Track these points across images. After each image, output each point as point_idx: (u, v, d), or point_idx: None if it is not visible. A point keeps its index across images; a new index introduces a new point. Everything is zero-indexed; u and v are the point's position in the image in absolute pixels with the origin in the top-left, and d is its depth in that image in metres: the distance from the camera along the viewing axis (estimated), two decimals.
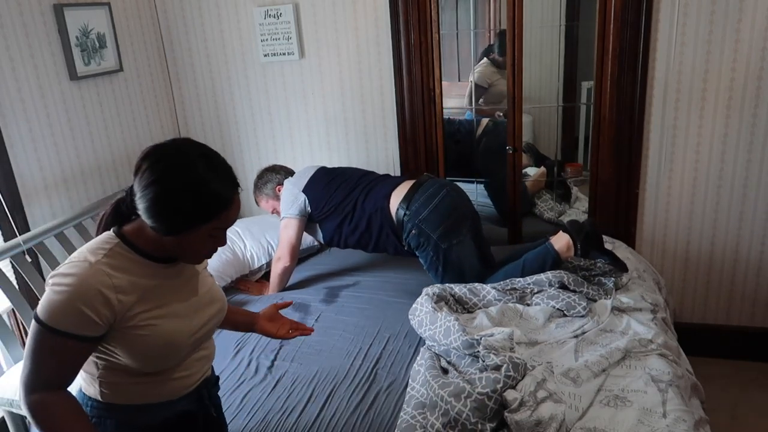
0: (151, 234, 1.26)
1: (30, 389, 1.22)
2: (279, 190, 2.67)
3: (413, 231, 2.34)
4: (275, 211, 2.72)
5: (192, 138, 1.40)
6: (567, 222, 2.47)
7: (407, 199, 2.37)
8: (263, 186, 2.72)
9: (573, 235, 2.33)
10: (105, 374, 1.31)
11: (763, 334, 2.80)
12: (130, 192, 1.28)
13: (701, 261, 2.78)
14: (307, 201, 2.53)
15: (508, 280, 2.28)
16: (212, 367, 1.52)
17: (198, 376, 1.43)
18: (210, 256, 1.36)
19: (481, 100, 3.14)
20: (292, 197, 2.56)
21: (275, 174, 2.73)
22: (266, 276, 2.72)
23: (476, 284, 2.28)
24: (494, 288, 2.22)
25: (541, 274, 2.25)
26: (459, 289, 2.24)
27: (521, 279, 2.27)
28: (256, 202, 2.82)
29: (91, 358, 1.29)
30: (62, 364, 1.22)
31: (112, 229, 1.31)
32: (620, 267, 2.32)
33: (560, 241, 2.35)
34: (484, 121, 3.24)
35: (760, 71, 2.46)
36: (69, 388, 1.25)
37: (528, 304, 2.18)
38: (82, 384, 1.36)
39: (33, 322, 1.20)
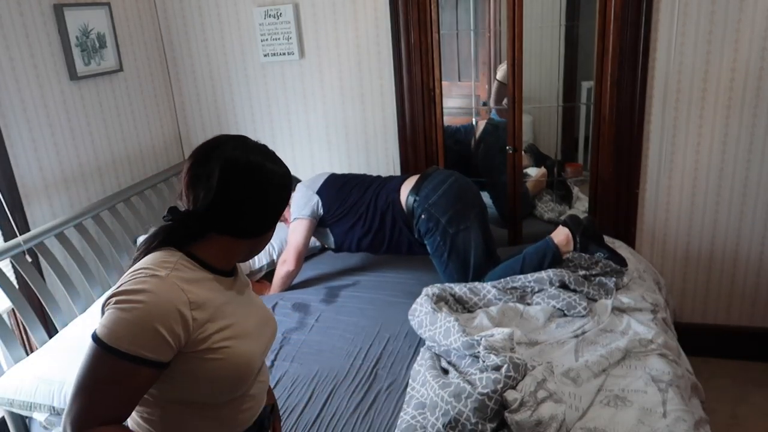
0: (224, 243, 1.17)
1: (81, 425, 1.03)
2: None
3: (423, 216, 2.38)
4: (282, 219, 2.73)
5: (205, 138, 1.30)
6: (566, 216, 2.51)
7: (416, 187, 2.43)
8: None
9: (572, 229, 2.37)
10: (160, 412, 1.14)
11: (763, 334, 2.80)
12: (199, 208, 1.14)
13: (701, 261, 2.78)
14: (320, 203, 2.54)
15: (508, 278, 2.29)
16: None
17: (260, 405, 1.29)
18: None
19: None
20: (305, 199, 2.55)
21: None
22: (267, 276, 2.72)
23: (476, 284, 2.28)
24: (494, 287, 2.22)
25: (542, 272, 2.25)
26: (459, 288, 2.24)
27: (521, 277, 2.27)
28: None
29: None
30: (125, 394, 1.05)
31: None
32: (619, 261, 2.34)
33: (559, 235, 2.39)
34: (482, 123, 3.23)
35: (760, 71, 2.46)
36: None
37: (528, 304, 2.18)
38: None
39: (92, 346, 1.03)
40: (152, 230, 1.20)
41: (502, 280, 2.29)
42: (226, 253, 1.19)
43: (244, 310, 1.22)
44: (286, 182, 1.24)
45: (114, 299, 1.05)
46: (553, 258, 2.34)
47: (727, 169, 2.62)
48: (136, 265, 1.12)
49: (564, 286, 2.19)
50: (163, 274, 1.08)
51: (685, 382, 1.77)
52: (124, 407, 1.07)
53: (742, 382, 2.70)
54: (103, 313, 1.07)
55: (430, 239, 2.41)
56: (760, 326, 2.80)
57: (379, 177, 2.67)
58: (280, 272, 2.54)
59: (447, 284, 2.28)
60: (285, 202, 1.24)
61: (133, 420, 1.16)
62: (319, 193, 2.56)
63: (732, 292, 2.79)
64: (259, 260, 2.73)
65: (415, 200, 2.40)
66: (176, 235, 1.15)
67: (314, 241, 2.84)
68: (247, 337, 1.18)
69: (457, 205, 2.40)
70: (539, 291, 2.20)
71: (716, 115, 2.56)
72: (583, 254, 2.35)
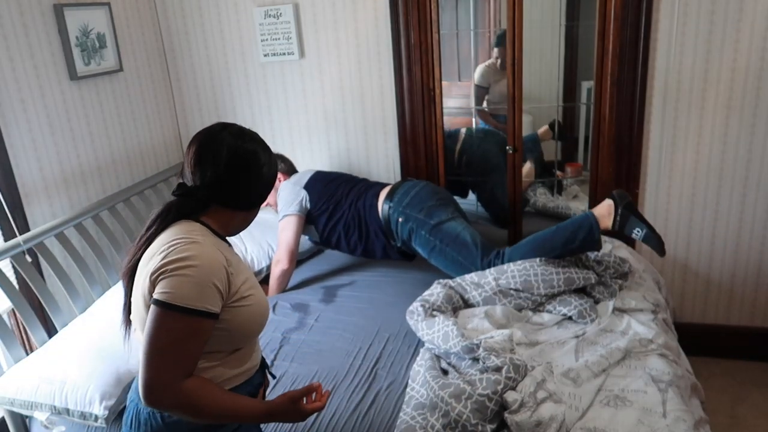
0: (224, 214, 1.37)
1: (173, 385, 1.19)
2: (279, 180, 2.70)
3: (400, 219, 2.42)
4: (267, 204, 2.75)
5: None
6: (614, 192, 2.31)
7: (390, 195, 2.49)
8: None
9: (616, 201, 2.22)
10: (206, 363, 1.30)
11: (763, 334, 2.80)
12: (206, 183, 1.33)
13: (701, 261, 2.78)
14: (307, 197, 2.58)
15: (518, 282, 2.16)
16: None
17: (258, 356, 1.49)
18: None
19: (484, 102, 3.15)
20: (293, 195, 2.59)
21: (281, 162, 2.78)
22: (266, 279, 2.72)
23: (481, 277, 2.22)
24: (499, 289, 2.16)
25: (553, 276, 2.14)
26: (466, 284, 2.20)
27: (534, 283, 2.15)
28: None
29: None
30: (196, 347, 1.23)
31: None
32: (657, 243, 2.15)
33: (602, 206, 2.26)
34: (462, 132, 3.20)
35: (760, 71, 2.46)
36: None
37: (539, 311, 2.16)
38: None
39: (159, 312, 1.19)
40: (160, 207, 1.36)
41: (513, 282, 2.15)
42: (226, 223, 1.39)
43: (245, 266, 1.42)
44: (274, 166, 1.46)
45: (166, 269, 1.20)
46: (589, 230, 2.19)
47: (727, 169, 2.62)
48: (167, 237, 1.27)
49: (574, 287, 2.15)
50: (200, 240, 1.27)
51: (685, 382, 1.77)
52: (194, 361, 1.24)
53: (742, 382, 2.70)
54: (153, 284, 1.22)
55: (417, 238, 2.41)
56: (760, 326, 2.80)
57: (364, 180, 2.71)
58: (275, 272, 2.55)
59: (456, 284, 2.22)
60: (273, 181, 1.44)
61: None
62: (306, 187, 2.60)
63: (732, 292, 2.79)
64: (259, 262, 2.72)
65: (389, 207, 2.45)
66: (185, 207, 1.34)
67: (309, 243, 2.84)
68: (259, 287, 1.41)
69: (431, 201, 2.45)
70: (551, 298, 2.15)
71: (716, 115, 2.56)
72: (590, 255, 2.26)
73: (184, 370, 1.21)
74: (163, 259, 1.22)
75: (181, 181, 1.38)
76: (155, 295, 1.21)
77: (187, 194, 1.34)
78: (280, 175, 2.72)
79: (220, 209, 1.37)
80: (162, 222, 1.32)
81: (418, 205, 2.42)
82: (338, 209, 2.56)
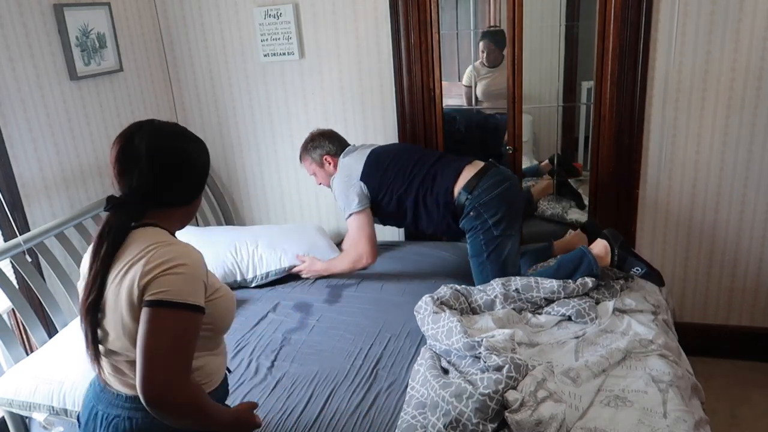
0: (165, 213, 1.34)
1: (183, 383, 1.20)
2: (326, 159, 2.61)
3: (471, 213, 2.36)
4: (314, 174, 2.69)
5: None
6: (607, 230, 2.42)
7: (470, 185, 2.37)
8: (312, 150, 2.65)
9: (610, 241, 2.29)
10: (203, 360, 1.35)
11: (763, 334, 2.80)
12: (135, 189, 1.29)
13: (701, 261, 2.79)
14: (365, 187, 2.49)
15: (520, 285, 2.21)
16: None
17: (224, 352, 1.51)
18: None
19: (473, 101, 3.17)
20: (350, 189, 2.49)
21: (329, 143, 2.64)
22: (272, 283, 2.69)
23: (486, 285, 2.27)
24: (503, 293, 2.18)
25: (554, 284, 2.18)
26: (473, 290, 2.23)
27: (530, 293, 2.20)
28: (300, 159, 2.73)
29: None
30: (195, 344, 1.24)
31: (133, 225, 1.33)
32: (656, 279, 2.28)
33: (597, 246, 2.32)
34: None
35: (760, 71, 2.46)
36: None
37: (539, 313, 2.16)
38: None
39: (158, 313, 1.18)
40: (102, 221, 1.32)
41: (513, 285, 2.21)
42: (170, 221, 1.36)
43: None
44: (204, 156, 1.39)
45: (156, 272, 1.19)
46: (589, 268, 2.24)
47: (727, 169, 2.62)
48: (135, 248, 1.24)
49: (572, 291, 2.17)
50: (172, 240, 1.28)
51: (685, 382, 1.77)
52: (191, 359, 1.24)
53: (742, 382, 2.70)
54: (143, 290, 1.19)
55: (473, 236, 2.38)
56: (760, 326, 2.80)
57: (423, 156, 2.54)
58: (356, 267, 2.53)
59: (462, 287, 2.23)
60: (206, 170, 1.40)
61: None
62: (363, 179, 2.49)
63: (732, 292, 2.80)
64: (268, 264, 2.65)
65: (467, 198, 2.37)
66: (124, 219, 1.29)
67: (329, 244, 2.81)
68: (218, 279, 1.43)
69: (508, 210, 2.36)
70: (550, 302, 2.17)
71: (716, 115, 2.56)
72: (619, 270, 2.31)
73: (188, 367, 1.22)
74: (146, 264, 1.20)
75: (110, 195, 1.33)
76: (149, 297, 1.18)
77: (118, 207, 1.29)
78: (328, 158, 2.61)
79: (159, 211, 1.33)
80: (111, 243, 1.26)
81: (494, 208, 2.34)
82: (401, 203, 2.47)
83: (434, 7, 2.76)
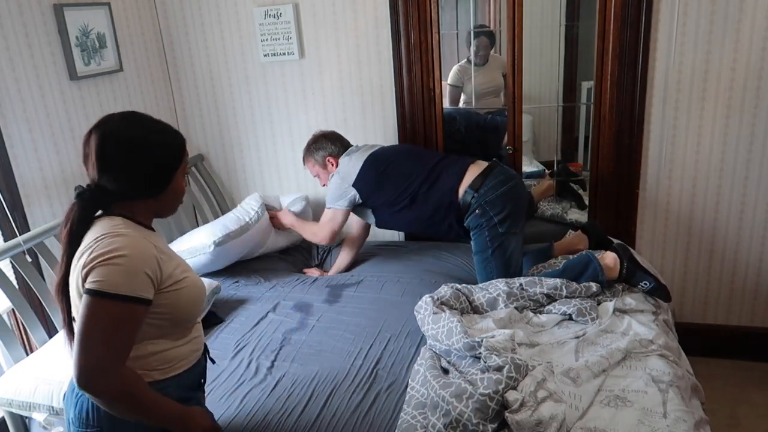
0: (131, 205, 1.34)
1: (111, 371, 1.22)
2: (329, 161, 2.64)
3: (477, 211, 2.37)
4: (317, 176, 2.73)
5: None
6: (616, 243, 2.42)
7: (476, 184, 2.38)
8: (315, 151, 2.67)
9: (620, 254, 2.28)
10: (157, 347, 1.35)
11: (763, 334, 2.80)
12: (109, 181, 1.31)
13: (701, 261, 2.79)
14: (357, 195, 2.53)
15: (523, 283, 2.22)
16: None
17: (202, 339, 1.51)
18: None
19: (461, 102, 3.16)
20: (341, 191, 2.54)
21: (331, 144, 2.65)
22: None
23: (488, 283, 2.26)
24: (505, 291, 2.17)
25: (557, 280, 2.18)
26: (475, 289, 2.22)
27: (537, 285, 2.20)
28: (303, 161, 2.75)
29: None
30: (132, 333, 1.26)
31: (98, 215, 1.35)
32: (664, 294, 2.27)
33: (607, 258, 2.30)
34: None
35: (760, 71, 2.46)
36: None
37: (541, 312, 2.16)
38: None
39: (91, 300, 1.21)
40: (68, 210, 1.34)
41: (518, 282, 2.22)
42: (139, 212, 1.36)
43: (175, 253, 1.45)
44: (171, 148, 1.37)
45: (95, 261, 1.22)
46: (594, 274, 2.22)
47: (727, 169, 2.62)
48: (91, 236, 1.28)
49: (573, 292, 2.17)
50: (125, 232, 1.28)
51: (685, 382, 1.77)
52: (128, 348, 1.26)
53: (742, 382, 2.70)
54: (84, 278, 1.23)
55: (478, 234, 2.38)
56: (760, 326, 2.80)
57: (424, 158, 2.54)
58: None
59: (462, 286, 2.23)
60: (175, 162, 1.38)
61: None
62: (355, 185, 2.51)
63: (732, 292, 2.80)
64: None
65: (472, 197, 2.37)
66: (87, 208, 1.32)
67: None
68: (191, 270, 1.44)
69: (513, 207, 2.37)
70: (552, 300, 2.17)
71: (716, 115, 2.56)
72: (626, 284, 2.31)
73: (120, 356, 1.24)
74: (91, 253, 1.24)
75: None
76: (87, 285, 1.22)
77: (79, 197, 1.32)
78: (330, 159, 2.63)
79: (123, 202, 1.34)
80: (70, 232, 1.31)
81: (499, 206, 2.35)
82: (397, 203, 2.47)
83: (434, 7, 2.76)
